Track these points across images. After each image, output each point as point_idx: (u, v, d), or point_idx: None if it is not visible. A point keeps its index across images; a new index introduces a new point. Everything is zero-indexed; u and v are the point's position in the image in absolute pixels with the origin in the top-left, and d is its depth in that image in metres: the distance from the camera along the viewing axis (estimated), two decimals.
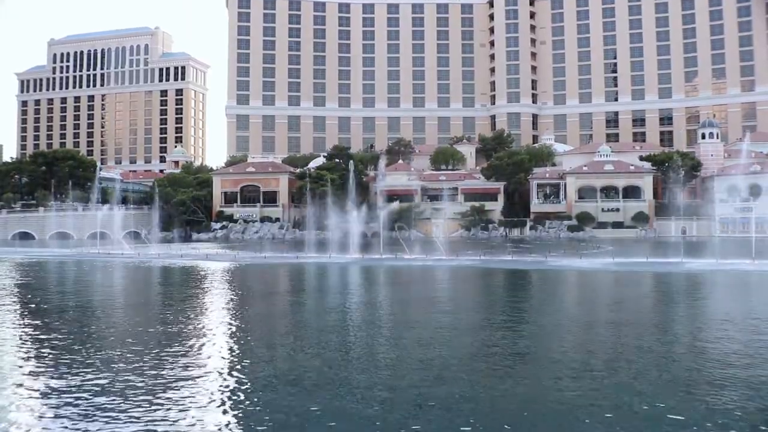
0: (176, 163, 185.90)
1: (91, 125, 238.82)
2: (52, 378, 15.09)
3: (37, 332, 21.48)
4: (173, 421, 12.03)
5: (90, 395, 13.62)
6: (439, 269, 48.41)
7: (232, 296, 33.50)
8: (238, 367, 16.44)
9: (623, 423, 11.92)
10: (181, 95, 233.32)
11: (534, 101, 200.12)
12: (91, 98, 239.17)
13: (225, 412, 12.75)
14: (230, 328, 22.63)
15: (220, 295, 33.93)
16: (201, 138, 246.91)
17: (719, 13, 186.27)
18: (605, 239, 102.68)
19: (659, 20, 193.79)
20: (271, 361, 17.19)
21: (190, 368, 15.97)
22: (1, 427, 11.77)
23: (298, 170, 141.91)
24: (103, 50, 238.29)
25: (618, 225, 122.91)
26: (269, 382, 14.88)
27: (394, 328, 22.53)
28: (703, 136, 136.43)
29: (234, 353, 18.24)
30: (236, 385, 14.58)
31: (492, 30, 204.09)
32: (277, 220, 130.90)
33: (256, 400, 13.54)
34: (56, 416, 12.38)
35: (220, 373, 15.62)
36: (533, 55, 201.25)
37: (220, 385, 14.55)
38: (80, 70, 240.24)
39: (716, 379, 14.76)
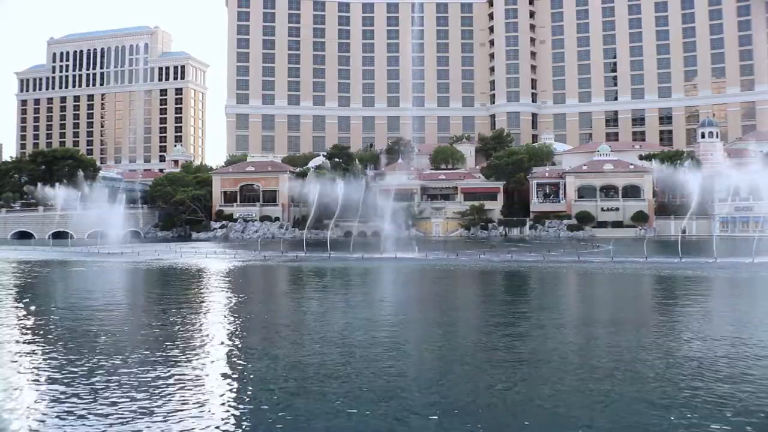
0: (176, 162, 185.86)
1: (90, 124, 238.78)
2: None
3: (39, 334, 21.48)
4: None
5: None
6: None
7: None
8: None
9: None
10: (181, 94, 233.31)
11: (534, 100, 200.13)
12: (90, 97, 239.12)
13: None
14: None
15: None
16: (200, 137, 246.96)
17: (719, 12, 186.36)
18: (605, 238, 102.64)
19: (659, 19, 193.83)
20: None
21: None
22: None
23: (297, 169, 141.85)
24: (102, 49, 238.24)
25: (617, 224, 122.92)
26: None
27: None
28: (703, 135, 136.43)
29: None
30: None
31: (491, 29, 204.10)
32: (277, 219, 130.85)
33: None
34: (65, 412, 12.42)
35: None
36: (533, 54, 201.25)
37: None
38: (80, 69, 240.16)
39: None
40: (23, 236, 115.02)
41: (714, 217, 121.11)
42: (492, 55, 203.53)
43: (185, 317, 24.87)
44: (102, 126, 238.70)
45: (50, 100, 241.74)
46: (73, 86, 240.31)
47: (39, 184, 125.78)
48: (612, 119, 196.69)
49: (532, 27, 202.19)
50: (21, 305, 28.99)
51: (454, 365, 16.69)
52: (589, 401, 13.36)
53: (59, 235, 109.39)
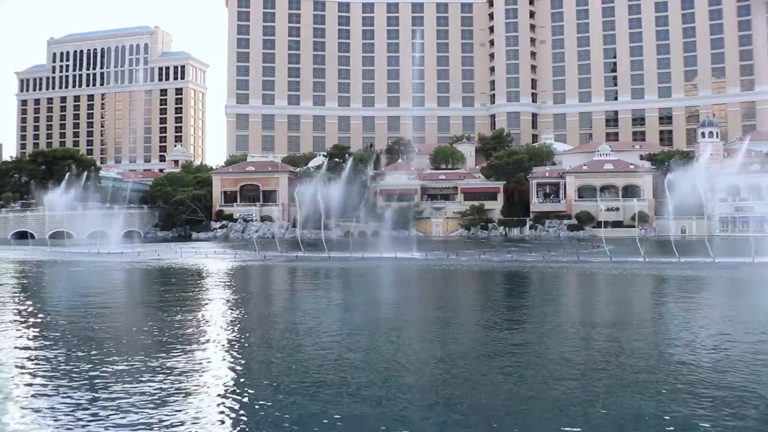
0: (176, 162, 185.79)
1: (90, 124, 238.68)
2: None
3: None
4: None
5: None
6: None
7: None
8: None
9: None
10: (181, 94, 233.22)
11: (534, 100, 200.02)
12: (90, 97, 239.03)
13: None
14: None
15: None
16: (201, 137, 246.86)
17: (719, 12, 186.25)
18: (605, 239, 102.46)
19: (659, 19, 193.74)
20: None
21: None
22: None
23: (297, 169, 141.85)
24: (102, 49, 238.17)
25: (618, 224, 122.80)
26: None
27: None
28: (703, 135, 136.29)
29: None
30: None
31: (492, 29, 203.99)
32: (277, 219, 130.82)
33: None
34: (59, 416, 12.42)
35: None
36: (533, 54, 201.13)
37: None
38: (80, 69, 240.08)
39: None
40: (22, 236, 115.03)
41: (714, 217, 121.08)
42: (492, 55, 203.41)
43: (183, 318, 24.86)
44: (102, 126, 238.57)
45: (50, 100, 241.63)
46: (73, 86, 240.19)
47: (31, 182, 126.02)
48: (612, 119, 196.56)
49: (532, 27, 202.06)
50: (21, 306, 28.99)
51: (453, 365, 16.69)
52: (589, 400, 13.36)
53: (58, 236, 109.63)
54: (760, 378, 15.01)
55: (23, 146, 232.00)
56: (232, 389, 14.41)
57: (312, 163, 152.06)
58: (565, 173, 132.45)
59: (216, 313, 26.46)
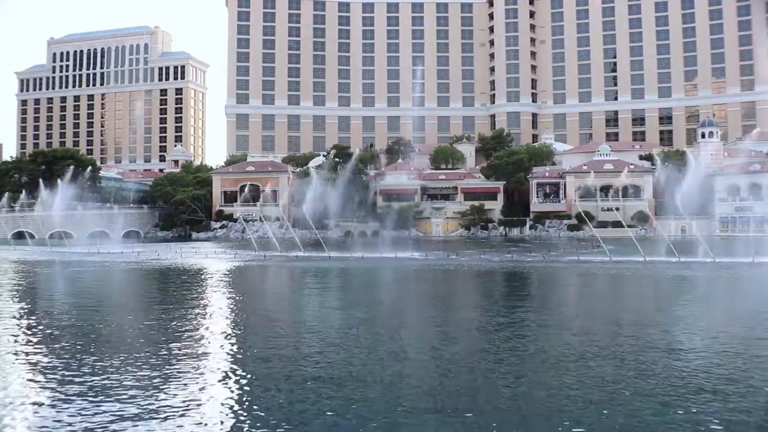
0: (176, 162, 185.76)
1: (90, 124, 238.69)
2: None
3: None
4: None
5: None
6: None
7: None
8: None
9: None
10: (181, 94, 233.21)
11: (534, 100, 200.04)
12: (90, 97, 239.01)
13: None
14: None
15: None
16: (200, 137, 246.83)
17: (719, 12, 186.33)
18: (605, 238, 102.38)
19: (659, 19, 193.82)
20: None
21: None
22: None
23: (297, 169, 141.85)
24: (102, 49, 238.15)
25: (618, 224, 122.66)
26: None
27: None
28: (703, 135, 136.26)
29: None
30: None
31: (492, 29, 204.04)
32: (277, 219, 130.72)
33: None
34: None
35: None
36: (533, 54, 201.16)
37: None
38: (80, 69, 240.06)
39: None
40: (22, 236, 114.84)
41: (714, 217, 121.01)
42: (492, 55, 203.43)
43: (183, 318, 24.85)
44: (102, 126, 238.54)
45: (50, 100, 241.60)
46: (73, 86, 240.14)
47: (31, 183, 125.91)
48: (612, 119, 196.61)
49: (532, 27, 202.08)
50: (20, 306, 28.99)
51: (451, 365, 16.69)
52: (588, 401, 13.36)
53: (58, 236, 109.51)
54: (758, 378, 15.01)
55: (23, 146, 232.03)
56: (231, 388, 14.42)
57: (312, 163, 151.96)
58: (565, 173, 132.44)
59: (216, 313, 26.45)
